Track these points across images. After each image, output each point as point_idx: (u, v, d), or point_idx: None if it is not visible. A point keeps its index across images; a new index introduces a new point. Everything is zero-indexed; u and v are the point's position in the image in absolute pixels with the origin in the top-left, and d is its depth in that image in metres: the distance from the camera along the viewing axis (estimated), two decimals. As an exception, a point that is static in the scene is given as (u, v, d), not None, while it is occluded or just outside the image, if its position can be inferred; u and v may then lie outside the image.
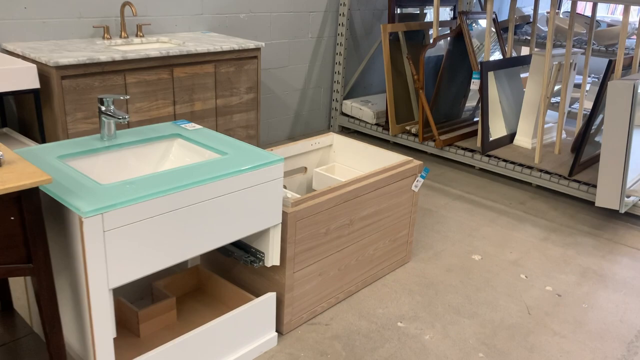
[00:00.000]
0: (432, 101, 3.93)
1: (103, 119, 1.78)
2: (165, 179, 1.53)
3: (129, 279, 1.45)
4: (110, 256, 1.39)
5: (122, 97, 1.79)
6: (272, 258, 1.88)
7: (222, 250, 1.97)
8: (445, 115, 4.16)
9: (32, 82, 2.32)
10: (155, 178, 1.53)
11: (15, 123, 2.81)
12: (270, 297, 1.91)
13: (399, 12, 4.21)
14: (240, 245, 1.97)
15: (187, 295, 2.13)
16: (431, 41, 3.98)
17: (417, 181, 2.46)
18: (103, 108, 1.76)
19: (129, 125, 2.73)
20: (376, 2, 4.54)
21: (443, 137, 3.92)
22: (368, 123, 4.34)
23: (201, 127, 2.01)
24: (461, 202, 3.34)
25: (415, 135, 4.07)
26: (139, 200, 1.41)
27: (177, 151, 1.91)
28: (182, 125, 2.00)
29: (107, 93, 2.61)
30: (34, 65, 2.32)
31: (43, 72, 2.43)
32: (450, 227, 3.01)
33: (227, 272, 2.18)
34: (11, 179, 1.24)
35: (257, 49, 3.17)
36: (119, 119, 1.76)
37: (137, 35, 3.09)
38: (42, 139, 2.48)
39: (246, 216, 1.71)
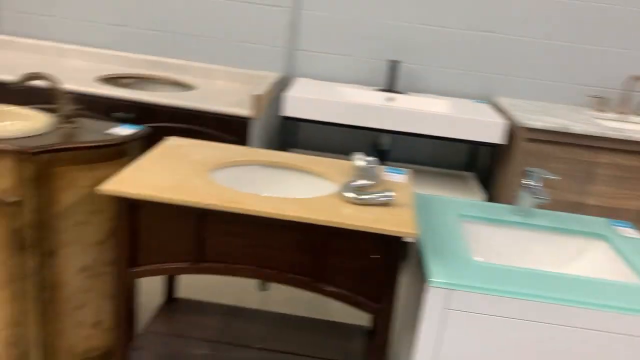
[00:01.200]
0: None
1: (522, 192, 1.63)
2: (547, 282, 1.27)
3: (457, 369, 1.30)
4: (444, 337, 1.27)
5: (551, 177, 1.59)
6: None
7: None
8: None
9: (495, 136, 2.36)
10: (534, 275, 1.30)
11: (483, 172, 2.88)
12: None
13: None
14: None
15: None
16: None
17: None
18: (527, 181, 1.61)
19: (584, 209, 2.43)
20: None
21: None
22: None
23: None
24: None
25: None
26: (496, 293, 1.22)
27: (593, 256, 1.56)
28: (617, 227, 1.62)
29: (569, 166, 2.39)
30: (500, 122, 2.34)
31: (513, 129, 2.43)
32: None
33: None
34: (383, 219, 1.28)
35: None
36: (538, 198, 1.58)
37: (637, 114, 2.70)
38: (487, 192, 2.51)
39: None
